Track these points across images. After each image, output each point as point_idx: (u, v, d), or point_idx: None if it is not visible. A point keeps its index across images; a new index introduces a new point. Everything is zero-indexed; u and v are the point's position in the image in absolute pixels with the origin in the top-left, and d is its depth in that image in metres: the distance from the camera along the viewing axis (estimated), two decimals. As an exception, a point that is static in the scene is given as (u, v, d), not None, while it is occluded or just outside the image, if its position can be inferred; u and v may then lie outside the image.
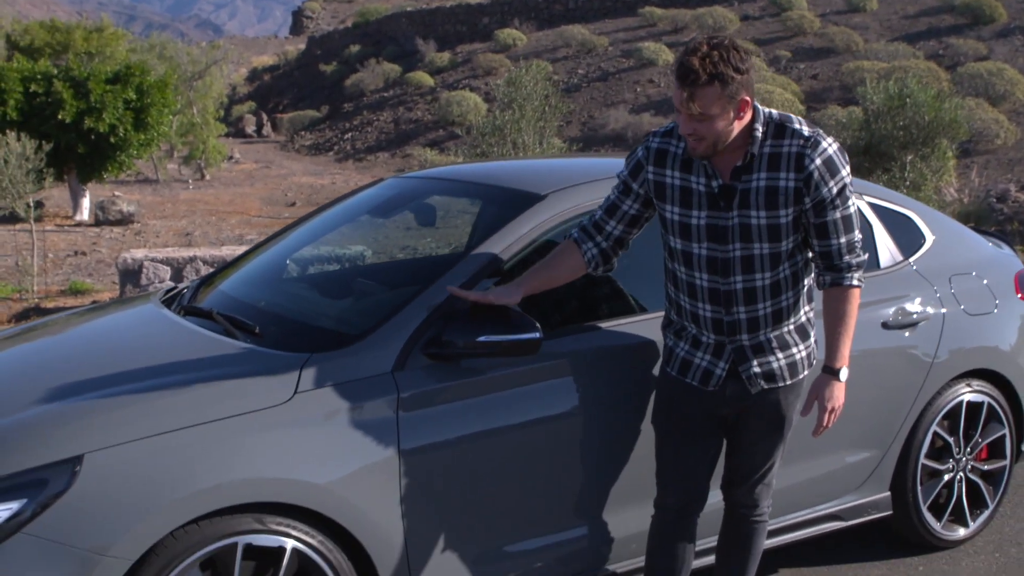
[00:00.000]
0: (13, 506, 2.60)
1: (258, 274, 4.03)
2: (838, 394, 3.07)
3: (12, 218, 15.32)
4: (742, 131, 2.91)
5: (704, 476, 3.26)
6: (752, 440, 3.20)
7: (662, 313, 3.28)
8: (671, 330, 3.22)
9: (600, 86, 31.17)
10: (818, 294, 3.12)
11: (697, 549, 3.37)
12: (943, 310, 4.10)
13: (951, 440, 4.16)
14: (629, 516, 3.42)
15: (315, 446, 2.89)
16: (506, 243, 3.32)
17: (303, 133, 36.71)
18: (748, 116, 2.90)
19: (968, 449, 4.21)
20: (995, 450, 4.31)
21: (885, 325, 3.93)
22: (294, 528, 2.84)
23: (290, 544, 2.83)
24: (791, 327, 3.10)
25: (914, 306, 4.03)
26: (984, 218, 13.10)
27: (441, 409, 3.07)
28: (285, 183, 24.94)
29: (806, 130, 2.94)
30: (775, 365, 3.09)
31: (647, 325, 3.40)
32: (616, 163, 3.32)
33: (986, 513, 4.32)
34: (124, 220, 16.96)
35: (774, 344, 3.08)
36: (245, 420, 2.82)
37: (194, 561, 2.71)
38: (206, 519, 2.72)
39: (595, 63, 33.25)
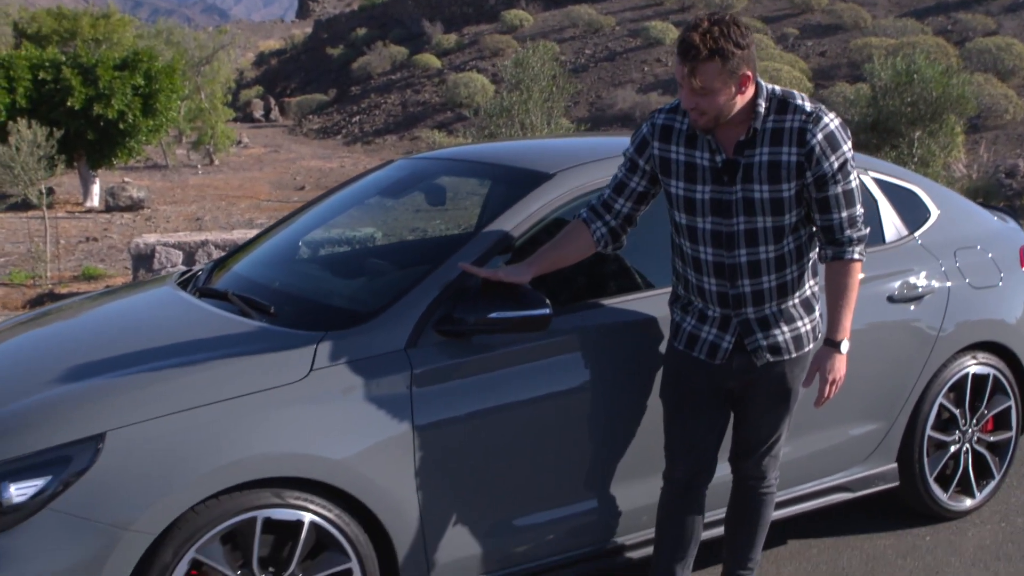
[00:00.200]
0: (38, 483, 2.67)
1: (271, 255, 4.10)
2: (839, 366, 3.12)
3: (23, 205, 15.44)
4: (745, 106, 2.96)
5: (712, 449, 3.31)
6: (758, 413, 3.25)
7: (670, 289, 3.34)
8: (678, 305, 3.27)
9: (607, 66, 31.11)
10: (822, 268, 3.16)
11: (706, 521, 3.43)
12: (948, 283, 4.14)
13: (957, 412, 4.20)
14: (638, 489, 3.48)
15: (332, 422, 2.96)
16: (515, 222, 3.37)
17: (311, 117, 36.73)
18: (750, 91, 2.95)
19: (974, 421, 4.26)
20: (1001, 421, 4.36)
21: (891, 299, 3.98)
22: (312, 502, 2.90)
23: (308, 518, 2.90)
24: (796, 301, 3.14)
25: (919, 280, 4.07)
26: (993, 193, 13.08)
27: (454, 385, 3.13)
28: (294, 167, 24.99)
29: (808, 105, 2.99)
30: (780, 338, 3.14)
31: (655, 301, 3.45)
32: (622, 142, 3.37)
33: (992, 484, 4.37)
34: (134, 206, 17.04)
35: (779, 317, 3.13)
36: (263, 397, 2.89)
37: (215, 535, 2.78)
38: (226, 494, 2.79)
39: (602, 43, 33.17)
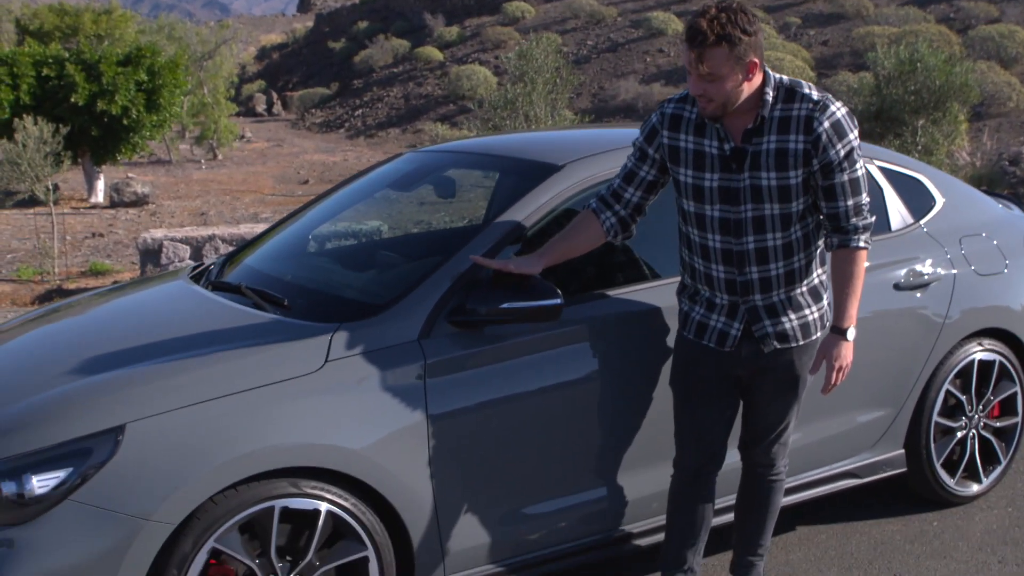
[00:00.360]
0: (60, 474, 2.71)
1: (283, 249, 4.14)
2: (846, 353, 3.15)
3: (29, 202, 15.48)
4: (752, 95, 2.99)
5: (721, 436, 3.35)
6: (767, 400, 3.28)
7: (678, 279, 3.37)
8: (685, 294, 3.31)
9: (610, 57, 31.09)
10: (829, 257, 3.19)
11: (716, 507, 3.47)
12: (954, 271, 4.18)
13: (963, 398, 4.24)
14: (648, 476, 3.52)
15: (347, 412, 3.00)
16: (525, 213, 3.41)
17: (313, 111, 36.75)
18: (757, 79, 2.98)
19: (980, 407, 4.29)
20: (1007, 407, 4.39)
21: (897, 286, 4.01)
22: (328, 491, 2.94)
23: (324, 507, 2.94)
24: (804, 289, 3.18)
25: (925, 267, 4.10)
26: (997, 181, 13.09)
27: (466, 375, 3.17)
28: (297, 161, 25.04)
29: (815, 94, 3.02)
30: (788, 326, 3.17)
31: (664, 290, 3.48)
32: (629, 133, 3.40)
33: (999, 469, 4.41)
34: (139, 201, 17.10)
35: (787, 305, 3.16)
36: (279, 388, 2.93)
37: (233, 524, 2.83)
38: (244, 484, 2.83)
39: (604, 34, 33.14)
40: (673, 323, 3.40)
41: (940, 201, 4.34)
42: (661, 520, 3.54)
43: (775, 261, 3.10)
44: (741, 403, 3.34)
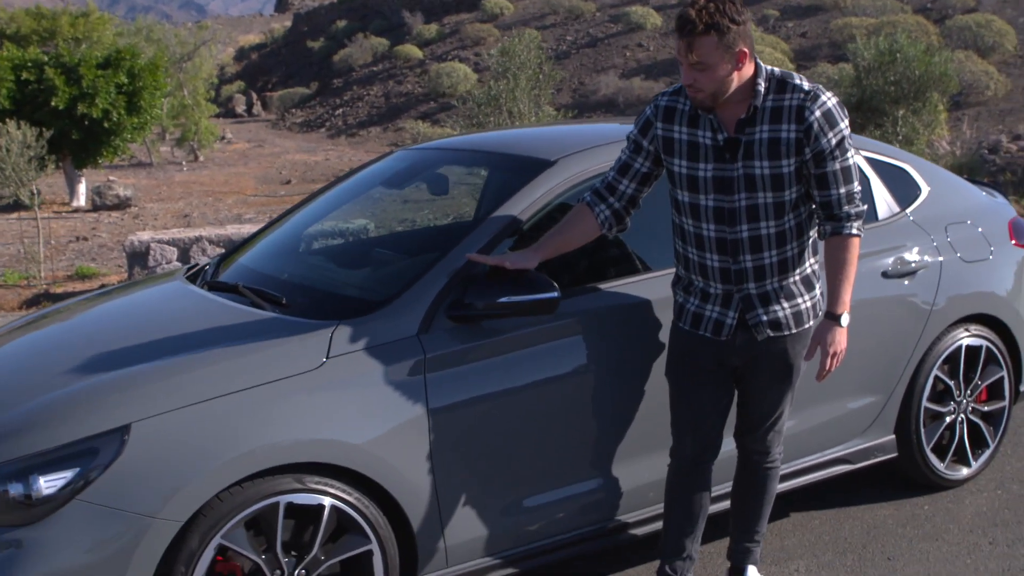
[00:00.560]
0: (67, 475, 2.74)
1: (278, 248, 4.16)
2: (840, 339, 3.21)
3: (11, 207, 15.40)
4: (744, 85, 3.05)
5: (717, 425, 3.39)
6: (761, 389, 3.33)
7: (672, 271, 3.42)
8: (680, 286, 3.35)
9: (589, 52, 31.14)
10: (821, 246, 3.25)
11: (713, 495, 3.51)
12: (940, 258, 4.24)
13: (952, 383, 4.30)
14: (645, 466, 3.57)
15: (349, 408, 3.03)
16: (519, 209, 3.45)
17: (294, 111, 36.67)
18: (748, 69, 3.04)
19: (968, 391, 4.36)
20: (994, 391, 4.46)
21: (885, 275, 4.07)
22: (332, 486, 2.98)
23: (329, 502, 2.97)
24: (796, 278, 3.23)
25: (912, 255, 4.16)
26: (977, 170, 13.21)
27: (465, 369, 3.21)
28: (279, 161, 24.99)
29: (806, 85, 3.08)
30: (781, 314, 3.22)
31: (660, 282, 3.53)
32: (619, 128, 3.44)
33: (987, 453, 4.48)
34: (121, 204, 17.04)
35: (780, 293, 3.21)
36: (282, 385, 2.96)
37: (239, 521, 2.86)
38: (249, 481, 2.86)
39: (583, 29, 33.19)
40: (667, 315, 3.44)
41: (925, 190, 4.41)
42: (657, 509, 3.59)
43: (769, 249, 3.15)
44: (736, 392, 3.39)
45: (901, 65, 12.43)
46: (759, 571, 3.55)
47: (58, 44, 21.46)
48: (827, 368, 3.23)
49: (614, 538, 3.61)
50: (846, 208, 3.12)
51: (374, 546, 3.06)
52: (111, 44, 21.91)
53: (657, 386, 3.48)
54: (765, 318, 3.21)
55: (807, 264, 3.25)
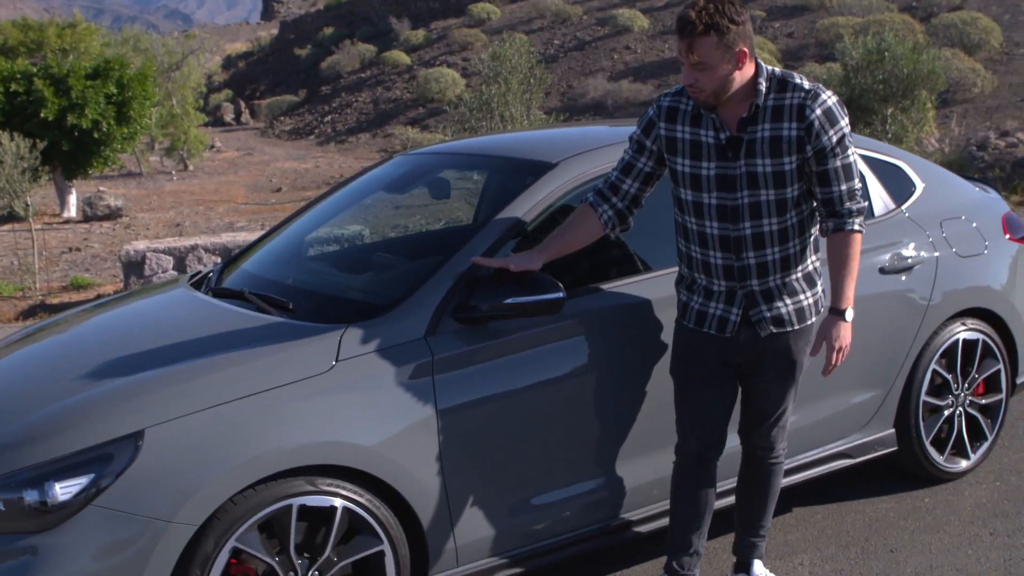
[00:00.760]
0: (83, 481, 2.76)
1: (281, 254, 4.19)
2: (844, 334, 3.25)
3: (3, 219, 15.38)
4: (745, 85, 3.09)
5: (722, 422, 3.43)
6: (765, 386, 3.37)
7: (675, 269, 3.45)
8: (683, 284, 3.39)
9: (577, 55, 31.23)
10: (823, 244, 3.29)
11: (718, 491, 3.55)
12: (936, 253, 4.29)
13: (949, 377, 4.35)
14: (650, 464, 3.60)
15: (359, 410, 3.06)
16: (522, 211, 3.49)
17: (282, 118, 36.68)
18: (748, 68, 3.08)
19: (966, 385, 4.41)
20: (991, 385, 4.51)
21: (882, 270, 4.12)
22: (343, 488, 3.01)
23: (340, 503, 3.00)
24: (799, 275, 3.27)
25: (908, 251, 4.21)
26: (966, 166, 13.29)
27: (473, 370, 3.24)
28: (269, 169, 25.00)
29: (807, 84, 3.14)
30: (783, 310, 3.26)
31: (663, 281, 3.57)
32: (616, 131, 3.48)
33: (985, 445, 4.53)
34: (112, 215, 17.05)
35: (782, 290, 3.25)
36: (293, 389, 2.99)
37: (253, 524, 2.88)
38: (262, 484, 2.89)
39: (570, 32, 33.29)
40: (670, 314, 3.48)
41: (920, 186, 4.46)
42: (662, 506, 3.62)
43: (771, 246, 3.19)
44: (740, 389, 3.43)
45: (889, 64, 12.52)
46: (764, 565, 3.59)
47: (46, 55, 21.44)
48: (833, 363, 3.26)
49: (620, 535, 3.64)
50: (847, 204, 3.17)
51: (386, 547, 3.09)
52: (98, 55, 21.90)
53: (661, 384, 3.52)
54: (768, 314, 3.25)
55: (809, 261, 3.29)
